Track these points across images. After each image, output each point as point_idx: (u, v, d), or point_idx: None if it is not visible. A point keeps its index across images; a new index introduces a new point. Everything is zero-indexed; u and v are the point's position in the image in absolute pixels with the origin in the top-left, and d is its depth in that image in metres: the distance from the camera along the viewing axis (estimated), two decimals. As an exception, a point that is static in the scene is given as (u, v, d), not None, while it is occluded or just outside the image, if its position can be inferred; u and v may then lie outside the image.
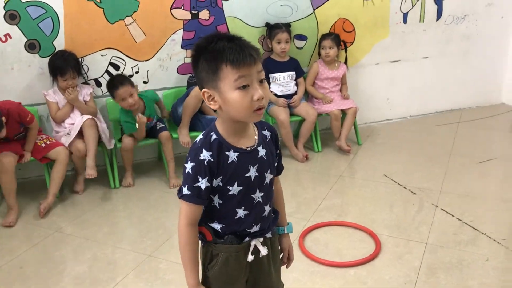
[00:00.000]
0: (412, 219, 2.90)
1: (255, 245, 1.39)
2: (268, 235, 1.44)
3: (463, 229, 2.76)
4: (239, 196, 1.34)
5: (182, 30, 3.69)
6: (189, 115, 3.46)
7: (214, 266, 1.39)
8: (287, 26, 3.82)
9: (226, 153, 1.31)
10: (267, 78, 3.82)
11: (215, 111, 1.32)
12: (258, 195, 1.37)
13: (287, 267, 1.61)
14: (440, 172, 3.49)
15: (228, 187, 1.33)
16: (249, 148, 1.35)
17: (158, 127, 3.49)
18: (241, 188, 1.34)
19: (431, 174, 3.46)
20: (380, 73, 4.37)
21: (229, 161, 1.31)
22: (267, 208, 1.42)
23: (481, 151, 3.84)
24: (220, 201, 1.35)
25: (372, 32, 4.23)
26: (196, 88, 3.40)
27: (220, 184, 1.32)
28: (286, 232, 1.54)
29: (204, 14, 3.71)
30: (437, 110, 4.72)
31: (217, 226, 1.37)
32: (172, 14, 3.63)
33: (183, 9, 3.65)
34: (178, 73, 3.77)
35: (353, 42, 4.19)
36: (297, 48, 4.05)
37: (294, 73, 3.90)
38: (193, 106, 3.43)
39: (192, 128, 3.51)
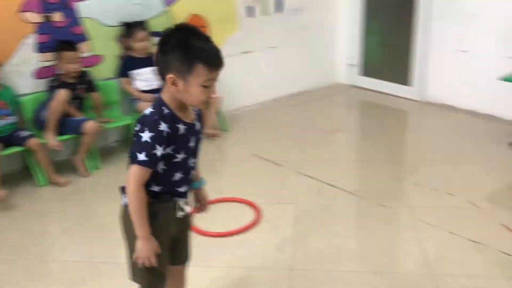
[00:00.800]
0: (282, 187, 3.30)
1: (179, 204, 1.62)
2: (187, 196, 1.68)
3: (324, 188, 3.23)
4: (181, 162, 1.57)
5: (35, 33, 3.57)
6: (55, 118, 3.40)
7: (152, 222, 1.56)
8: (143, 24, 3.94)
9: (177, 125, 1.51)
10: (129, 76, 3.91)
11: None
12: (191, 161, 1.63)
13: (206, 212, 1.88)
14: (299, 144, 3.98)
15: (176, 154, 1.54)
16: (192, 122, 1.57)
17: (22, 135, 3.36)
18: (185, 155, 1.57)
19: (292, 148, 3.92)
20: (237, 64, 4.70)
21: (179, 133, 1.52)
22: (193, 172, 1.68)
23: (328, 124, 4.44)
24: (165, 167, 1.55)
25: (224, 26, 4.55)
26: (62, 91, 3.39)
27: (171, 152, 1.52)
28: (202, 186, 1.80)
29: (56, 17, 3.65)
30: (288, 93, 5.25)
31: (156, 188, 1.57)
32: (22, 18, 3.50)
33: (33, 12, 3.54)
34: (35, 77, 3.65)
35: (207, 37, 4.46)
36: (155, 45, 4.18)
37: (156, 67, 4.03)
38: (59, 109, 3.38)
39: (58, 131, 3.45)
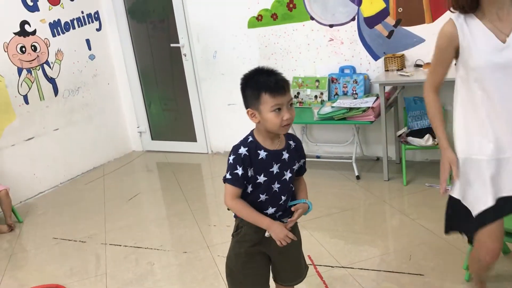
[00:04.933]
0: (89, 262, 3.35)
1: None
2: (285, 220, 1.89)
3: (131, 251, 3.40)
4: (264, 184, 1.83)
5: None
6: None
7: (239, 234, 1.90)
8: None
9: (258, 151, 1.81)
10: None
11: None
12: (276, 186, 1.86)
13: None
14: (100, 217, 4.06)
15: (257, 176, 1.82)
16: (276, 150, 1.84)
17: None
18: (266, 178, 1.83)
19: (93, 222, 3.99)
20: (20, 153, 4.61)
21: (259, 157, 1.81)
22: (283, 197, 1.89)
23: (128, 191, 4.62)
24: (251, 189, 1.84)
25: (0, 117, 4.44)
26: None
27: (252, 173, 1.81)
28: (304, 201, 1.93)
29: None
30: (82, 171, 5.28)
31: None
32: None
33: None
34: None
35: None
36: None
37: None
38: None
39: None
